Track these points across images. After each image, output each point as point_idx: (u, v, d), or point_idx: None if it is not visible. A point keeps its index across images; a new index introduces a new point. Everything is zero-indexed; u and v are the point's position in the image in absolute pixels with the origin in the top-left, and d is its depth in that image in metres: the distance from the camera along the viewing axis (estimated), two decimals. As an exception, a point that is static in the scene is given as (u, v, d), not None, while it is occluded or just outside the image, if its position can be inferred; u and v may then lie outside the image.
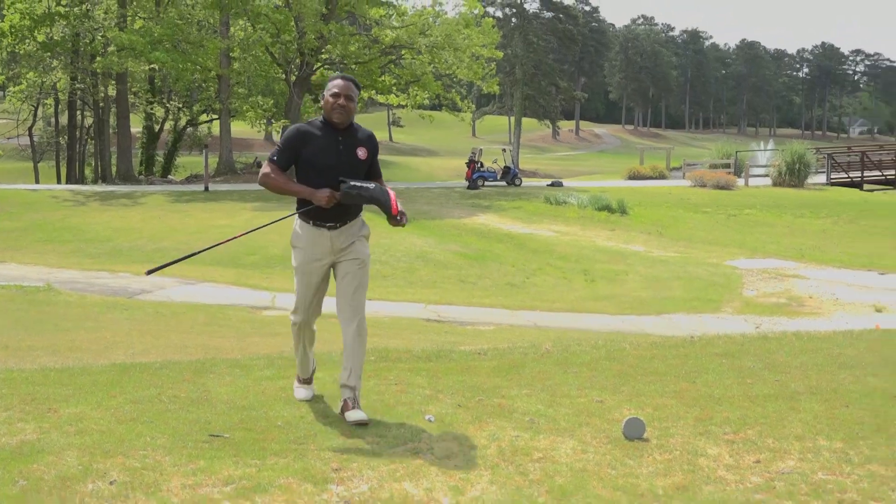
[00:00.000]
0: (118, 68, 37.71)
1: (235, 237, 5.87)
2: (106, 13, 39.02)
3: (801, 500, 4.26)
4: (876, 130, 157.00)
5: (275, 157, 5.22)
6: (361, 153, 5.31)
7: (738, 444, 5.07)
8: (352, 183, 5.13)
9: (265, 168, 5.24)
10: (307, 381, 5.89)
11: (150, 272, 5.56)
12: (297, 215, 5.33)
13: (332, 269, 5.49)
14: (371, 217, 5.47)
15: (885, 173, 42.93)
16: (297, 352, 5.83)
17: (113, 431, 5.01)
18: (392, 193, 5.22)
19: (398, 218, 5.21)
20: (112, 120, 42.31)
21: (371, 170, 5.42)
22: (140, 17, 40.03)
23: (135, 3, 40.50)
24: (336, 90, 5.19)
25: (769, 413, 5.72)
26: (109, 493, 4.15)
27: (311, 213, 5.23)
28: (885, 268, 23.56)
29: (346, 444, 4.91)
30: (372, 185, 5.19)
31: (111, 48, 37.65)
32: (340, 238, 5.33)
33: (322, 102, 5.30)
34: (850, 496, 4.32)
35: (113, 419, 5.27)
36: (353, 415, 5.25)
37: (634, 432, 5.14)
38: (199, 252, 5.76)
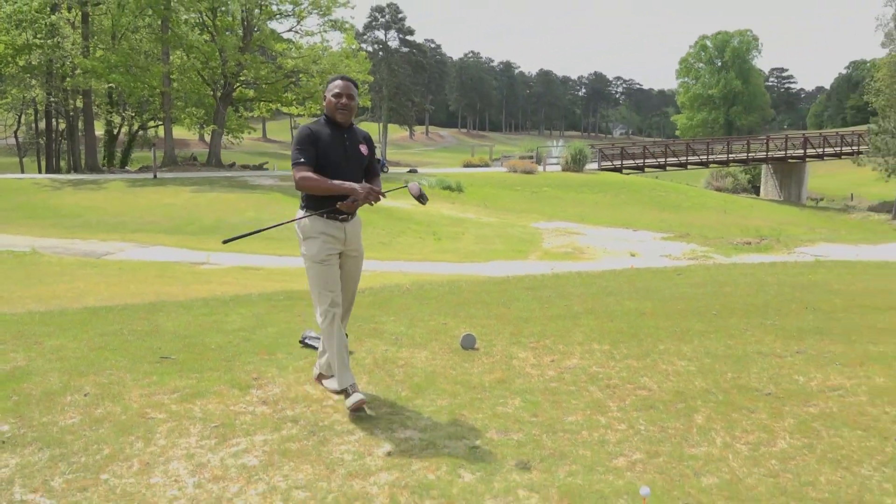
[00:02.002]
0: (84, 86, 36.01)
1: (272, 226, 4.39)
2: (73, 45, 36.96)
3: (581, 386, 4.41)
4: (631, 132, 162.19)
5: (302, 160, 3.95)
6: (364, 149, 4.18)
7: (539, 350, 5.21)
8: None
9: (299, 173, 3.93)
10: (354, 387, 3.95)
11: (226, 241, 4.13)
12: (304, 209, 4.09)
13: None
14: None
15: (636, 162, 44.50)
16: (341, 356, 4.00)
17: (86, 357, 4.83)
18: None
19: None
20: (80, 125, 40.17)
21: (370, 165, 4.25)
22: (100, 48, 38.12)
23: (95, 38, 38.70)
24: (338, 90, 4.07)
25: (560, 327, 5.89)
26: (84, 402, 4.01)
27: (325, 207, 4.01)
28: (637, 227, 24.53)
29: (263, 360, 4.85)
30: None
31: (78, 71, 35.77)
32: (351, 229, 4.14)
33: (325, 103, 4.12)
34: (614, 381, 4.49)
35: (86, 348, 5.06)
36: (333, 383, 4.18)
37: (469, 344, 5.22)
38: (262, 230, 4.36)
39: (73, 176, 34.88)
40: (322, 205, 4.00)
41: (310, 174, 3.93)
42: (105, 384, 4.29)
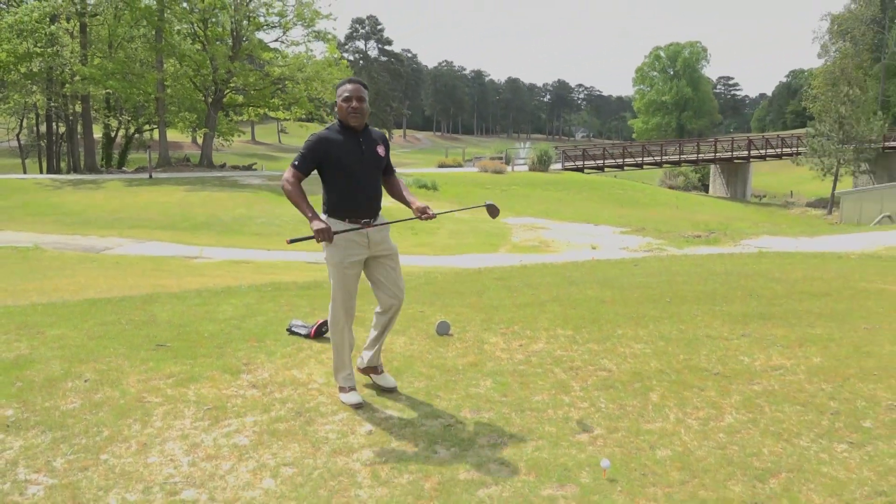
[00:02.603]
0: (82, 92, 35.43)
1: (359, 228, 3.71)
2: (71, 53, 36.36)
3: (547, 368, 4.43)
4: (591, 135, 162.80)
5: (297, 163, 3.65)
6: (381, 150, 3.80)
7: (508, 335, 5.22)
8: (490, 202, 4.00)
9: (287, 174, 3.67)
10: (353, 388, 3.89)
11: (291, 241, 3.63)
12: (327, 214, 3.74)
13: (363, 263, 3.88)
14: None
15: (596, 162, 44.72)
16: (341, 356, 3.90)
17: (86, 346, 4.75)
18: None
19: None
20: (79, 128, 39.54)
21: (387, 166, 3.92)
22: (97, 56, 37.50)
23: (93, 47, 38.10)
24: (347, 94, 3.66)
25: (527, 314, 5.90)
26: (84, 388, 3.95)
27: (345, 211, 3.70)
28: (598, 222, 24.66)
29: (252, 347, 4.80)
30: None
31: (77, 78, 35.18)
32: (374, 232, 3.79)
33: (336, 109, 3.73)
34: (577, 363, 4.52)
35: (86, 337, 4.98)
36: (384, 380, 4.02)
37: (444, 330, 5.22)
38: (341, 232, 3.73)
39: (72, 176, 34.35)
40: (342, 210, 3.70)
41: (292, 180, 3.64)
42: (104, 371, 4.23)
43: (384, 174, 3.92)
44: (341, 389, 3.89)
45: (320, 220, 3.57)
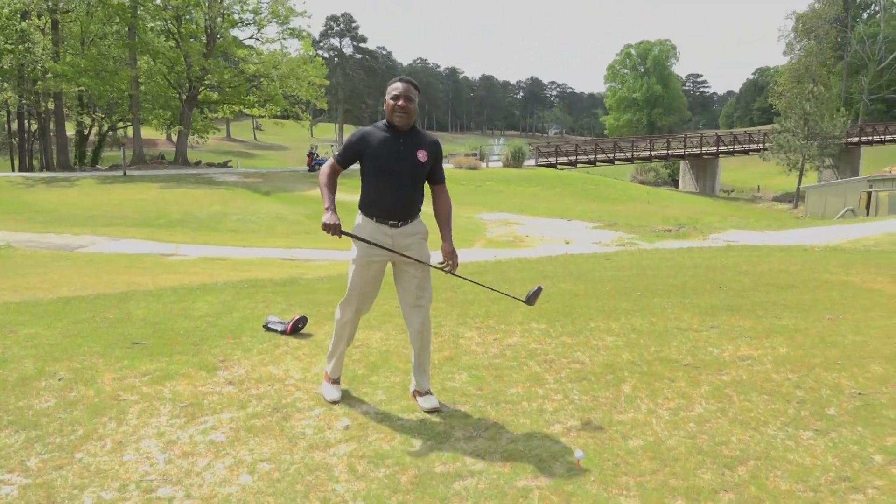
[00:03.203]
0: (55, 89, 34.88)
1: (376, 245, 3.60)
2: (43, 50, 35.73)
3: (521, 361, 4.44)
4: (564, 132, 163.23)
5: (337, 155, 3.62)
6: (422, 156, 3.57)
7: (483, 329, 5.22)
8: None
9: (326, 163, 3.64)
10: (337, 381, 3.87)
11: (342, 234, 3.55)
12: (360, 209, 3.67)
13: (388, 267, 3.76)
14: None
15: (569, 158, 44.97)
16: (337, 347, 3.84)
17: (60, 344, 4.67)
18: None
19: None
20: (52, 126, 38.88)
21: (433, 173, 3.69)
22: (69, 53, 36.88)
23: (65, 43, 37.47)
24: (396, 93, 3.52)
25: (502, 308, 5.90)
26: (58, 386, 3.88)
27: (374, 210, 3.59)
28: (571, 217, 24.78)
29: (229, 344, 4.75)
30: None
31: (49, 75, 34.62)
32: (401, 236, 3.63)
33: (384, 106, 3.57)
34: (550, 356, 4.54)
35: (59, 335, 4.90)
36: (427, 402, 3.69)
37: (419, 325, 5.20)
38: (365, 240, 3.61)
39: (45, 174, 33.77)
40: (371, 208, 3.61)
41: (328, 171, 3.60)
42: (78, 369, 4.16)
43: (430, 182, 3.74)
44: (326, 376, 3.88)
45: (333, 214, 3.51)
